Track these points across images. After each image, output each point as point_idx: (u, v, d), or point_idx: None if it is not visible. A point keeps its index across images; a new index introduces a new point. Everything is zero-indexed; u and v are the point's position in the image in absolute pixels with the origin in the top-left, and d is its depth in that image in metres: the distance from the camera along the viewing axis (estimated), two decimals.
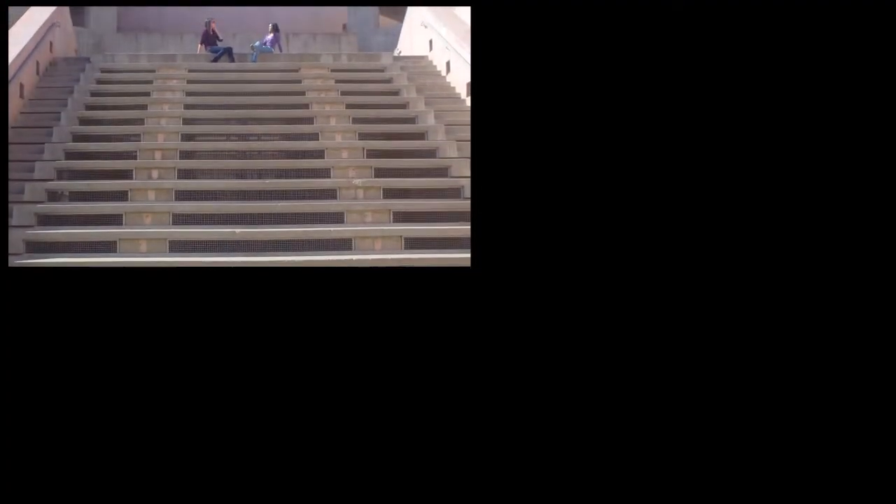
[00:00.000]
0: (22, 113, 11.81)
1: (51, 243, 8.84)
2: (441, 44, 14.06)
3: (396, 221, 9.57)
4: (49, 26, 13.92)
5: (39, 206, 9.54)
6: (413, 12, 16.31)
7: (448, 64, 13.75)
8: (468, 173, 9.73)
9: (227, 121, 12.00)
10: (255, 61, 15.33)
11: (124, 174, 10.36)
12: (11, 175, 9.18)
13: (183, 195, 9.97)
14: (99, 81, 13.50)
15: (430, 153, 11.05)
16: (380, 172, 10.50)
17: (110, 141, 11.24)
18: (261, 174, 10.54)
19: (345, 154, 10.98)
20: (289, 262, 8.24)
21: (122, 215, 9.44)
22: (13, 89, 11.26)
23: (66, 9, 15.97)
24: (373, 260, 8.43)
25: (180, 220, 9.46)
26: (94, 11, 22.25)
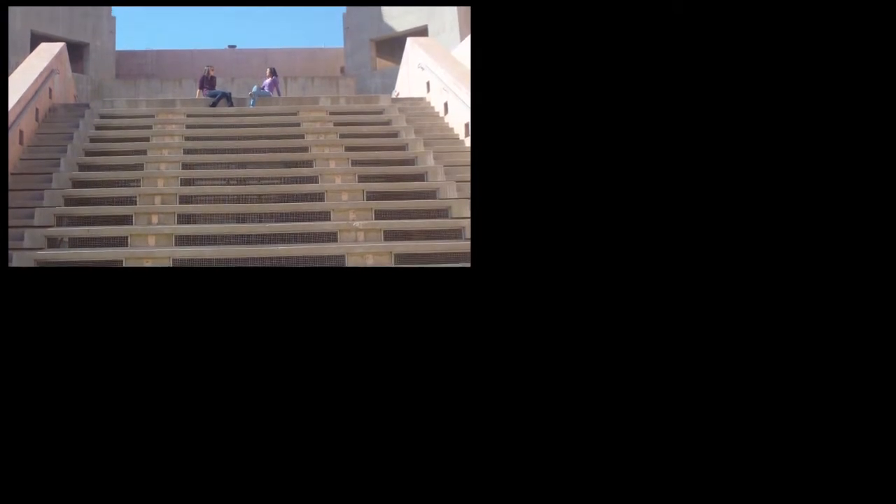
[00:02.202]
0: (22, 160, 11.82)
1: None
2: (438, 85, 14.14)
3: (398, 264, 9.53)
4: (48, 73, 14.00)
5: (39, 252, 9.49)
6: (410, 54, 16.43)
7: (446, 105, 13.81)
8: (468, 214, 9.72)
9: (226, 165, 12.03)
10: (253, 105, 15.40)
11: (124, 220, 10.35)
12: (11, 222, 9.16)
13: (183, 240, 9.93)
14: (98, 127, 13.54)
15: (430, 194, 11.05)
16: (380, 214, 10.49)
17: (110, 186, 11.24)
18: (261, 218, 10.52)
19: (345, 196, 10.98)
20: None
21: (122, 261, 9.39)
22: (13, 136, 11.28)
23: (66, 56, 16.08)
24: None
25: (181, 265, 9.41)
26: (93, 58, 22.47)
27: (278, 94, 17.16)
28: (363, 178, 11.47)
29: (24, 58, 15.45)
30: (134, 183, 11.31)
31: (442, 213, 10.61)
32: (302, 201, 10.87)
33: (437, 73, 14.19)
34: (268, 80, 16.91)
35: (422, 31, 21.72)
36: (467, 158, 11.09)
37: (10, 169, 10.73)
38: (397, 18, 23.05)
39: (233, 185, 11.51)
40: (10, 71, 13.61)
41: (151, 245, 9.88)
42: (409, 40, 16.78)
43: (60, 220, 10.30)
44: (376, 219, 10.41)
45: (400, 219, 10.43)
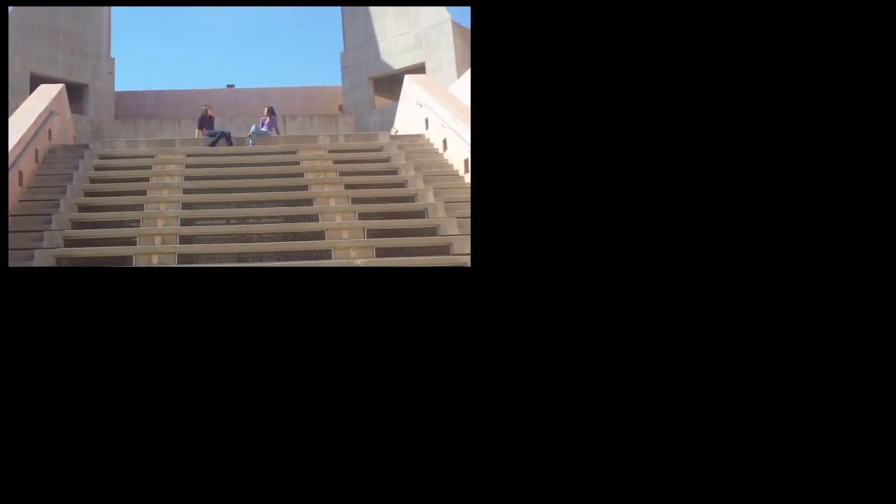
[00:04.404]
0: (21, 201, 11.81)
1: None
2: (437, 122, 14.18)
3: None
4: (48, 114, 14.04)
5: None
6: (408, 91, 16.51)
7: (445, 141, 13.85)
8: (469, 250, 9.70)
9: (226, 204, 12.02)
10: (252, 145, 15.43)
11: (125, 260, 10.30)
12: (11, 263, 9.12)
13: None
14: (98, 168, 13.56)
15: (431, 231, 11.04)
16: (381, 252, 10.46)
17: (110, 227, 11.22)
18: (262, 257, 10.48)
19: (345, 234, 10.97)
20: None
21: None
22: (13, 177, 11.28)
23: (65, 97, 16.15)
24: None
25: None
26: (92, 99, 22.57)
27: (277, 132, 17.21)
28: (363, 216, 11.47)
29: (24, 99, 15.52)
30: (134, 223, 11.30)
31: (443, 249, 10.58)
32: (303, 240, 10.86)
33: (435, 110, 14.24)
34: (266, 119, 16.96)
35: (419, 69, 21.86)
36: (467, 194, 11.09)
37: (10, 210, 10.71)
38: (395, 56, 23.21)
39: (233, 224, 11.50)
40: (10, 112, 13.65)
41: None
42: (408, 77, 16.86)
43: (60, 261, 10.24)
44: (377, 256, 10.38)
45: (401, 255, 10.40)
